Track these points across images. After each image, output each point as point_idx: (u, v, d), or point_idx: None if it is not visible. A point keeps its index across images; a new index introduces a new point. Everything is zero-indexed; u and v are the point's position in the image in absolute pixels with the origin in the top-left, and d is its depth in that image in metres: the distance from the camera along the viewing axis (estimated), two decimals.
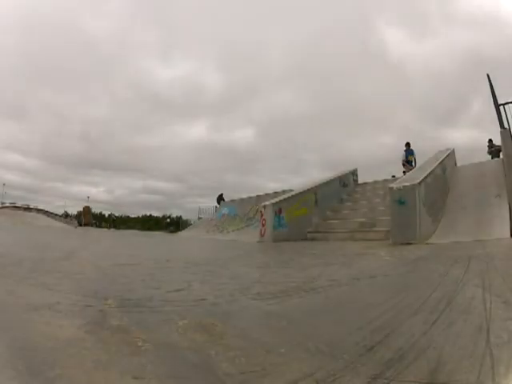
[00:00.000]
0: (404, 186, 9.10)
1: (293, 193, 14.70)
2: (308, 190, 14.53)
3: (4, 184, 72.89)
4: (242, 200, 25.44)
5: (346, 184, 16.56)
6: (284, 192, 17.48)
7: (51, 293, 3.24)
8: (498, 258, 5.61)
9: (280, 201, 13.61)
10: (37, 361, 1.74)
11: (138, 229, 40.51)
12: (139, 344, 2.03)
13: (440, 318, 2.56)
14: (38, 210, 46.65)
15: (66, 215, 48.79)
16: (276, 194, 18.87)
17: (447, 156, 13.30)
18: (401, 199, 9.02)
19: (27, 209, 45.86)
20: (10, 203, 49.14)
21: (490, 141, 16.91)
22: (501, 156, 13.89)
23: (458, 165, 15.23)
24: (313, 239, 12.37)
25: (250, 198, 24.38)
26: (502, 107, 10.43)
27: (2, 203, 51.26)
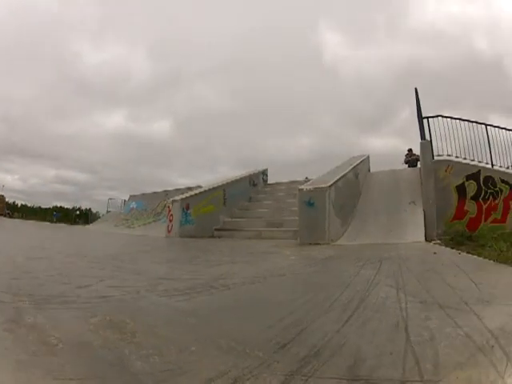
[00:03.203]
0: (314, 188, 9.22)
1: (201, 189, 14.65)
2: (217, 187, 14.51)
3: None
4: (151, 194, 24.97)
5: (255, 183, 16.73)
6: (192, 188, 17.49)
7: None
8: (412, 260, 5.76)
9: (188, 197, 13.48)
10: None
11: (48, 221, 38.67)
12: (55, 343, 2.00)
13: (353, 317, 2.54)
14: None
15: None
16: (186, 189, 18.67)
17: (361, 161, 13.70)
18: (310, 201, 9.10)
19: None
20: None
21: (410, 150, 17.82)
22: (418, 165, 14.62)
23: (375, 171, 15.74)
24: (220, 237, 12.27)
25: (159, 192, 23.96)
26: (425, 120, 10.98)
27: None
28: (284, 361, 1.81)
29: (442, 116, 10.79)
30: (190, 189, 18.28)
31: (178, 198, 13.46)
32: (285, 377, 1.63)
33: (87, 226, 28.02)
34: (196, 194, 13.77)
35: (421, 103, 11.67)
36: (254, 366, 1.75)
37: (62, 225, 31.10)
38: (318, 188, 9.14)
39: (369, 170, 15.47)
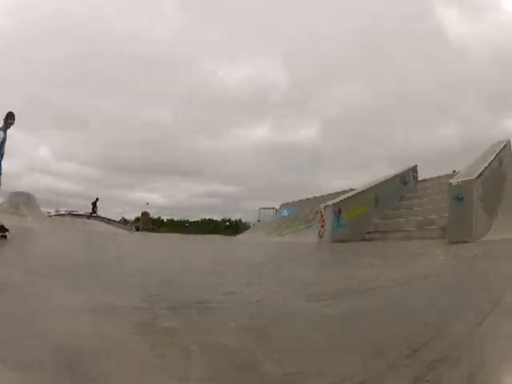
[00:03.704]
0: (462, 182, 8.91)
1: (353, 192, 14.62)
2: (368, 189, 14.42)
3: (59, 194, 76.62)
4: (302, 201, 25.25)
5: (406, 181, 16.27)
6: (344, 192, 17.19)
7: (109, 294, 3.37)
8: None
9: (340, 201, 13.61)
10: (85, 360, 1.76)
11: (197, 233, 40.69)
12: (189, 346, 2.01)
13: (485, 321, 2.46)
14: (96, 217, 48.15)
15: (124, 221, 50.10)
16: (337, 194, 18.16)
17: (503, 147, 12.71)
18: (459, 195, 8.82)
19: (81, 215, 47.30)
20: (66, 210, 50.73)
21: None
22: None
23: None
24: (371, 239, 12.31)
25: (310, 199, 24.20)
26: None
27: (57, 211, 52.90)
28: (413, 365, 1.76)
29: None
30: (338, 194, 17.74)
31: (330, 202, 13.68)
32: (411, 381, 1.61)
33: (238, 236, 28.35)
34: (348, 198, 13.84)
35: None
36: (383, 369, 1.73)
37: (209, 236, 31.22)
38: (466, 181, 8.82)
39: (511, 156, 13.99)
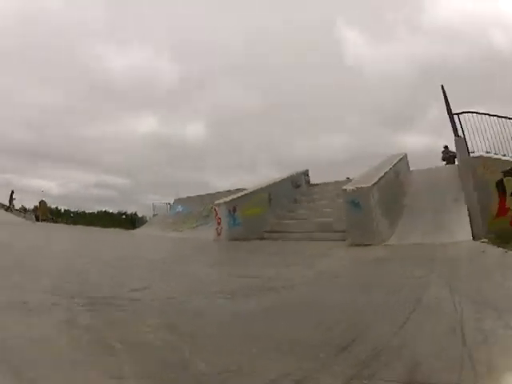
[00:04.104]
0: (357, 188, 9.20)
1: (246, 191, 14.67)
2: (261, 189, 14.52)
3: None
4: (195, 198, 25.23)
5: (298, 185, 16.64)
6: (237, 190, 17.30)
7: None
8: (461, 260, 5.85)
9: (233, 199, 13.57)
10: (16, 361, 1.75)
11: (96, 225, 38.94)
12: (113, 344, 2.03)
13: (409, 319, 2.61)
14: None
15: (24, 210, 46.55)
16: (229, 192, 18.46)
17: (400, 160, 13.59)
18: (354, 201, 9.10)
19: None
20: None
21: (446, 147, 17.70)
22: (456, 162, 14.67)
23: (412, 169, 15.74)
24: (269, 238, 12.36)
25: (203, 196, 24.10)
26: (456, 116, 11.03)
27: None
28: (343, 363, 1.84)
29: (471, 112, 10.82)
30: (230, 192, 18.18)
31: (223, 200, 13.57)
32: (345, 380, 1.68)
33: (135, 231, 27.99)
34: (241, 196, 13.84)
35: (449, 100, 11.62)
36: (316, 368, 1.79)
37: (109, 229, 30.74)
38: (362, 188, 9.13)
39: (408, 169, 15.36)
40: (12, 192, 37.08)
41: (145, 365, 1.79)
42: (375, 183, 9.42)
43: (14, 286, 3.54)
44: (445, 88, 12.05)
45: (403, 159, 14.50)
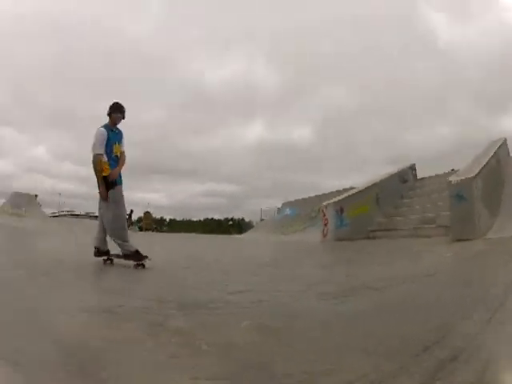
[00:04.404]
0: (461, 180, 9.00)
1: (354, 191, 14.64)
2: (368, 187, 14.44)
3: (60, 194, 76.71)
4: (303, 200, 25.42)
5: (405, 180, 16.35)
6: (345, 190, 17.28)
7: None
8: None
9: (341, 199, 13.66)
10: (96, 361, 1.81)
11: (199, 232, 40.43)
12: (202, 346, 2.05)
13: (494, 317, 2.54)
14: (95, 217, 47.76)
15: (131, 222, 49.74)
16: (337, 192, 18.56)
17: (500, 146, 12.89)
18: (459, 193, 8.90)
19: (80, 215, 46.52)
20: (68, 211, 49.88)
21: None
22: None
23: None
24: (375, 238, 12.38)
25: (312, 197, 24.32)
26: None
27: (60, 211, 51.86)
28: (422, 364, 1.77)
29: None
30: (338, 192, 18.14)
31: (331, 201, 13.74)
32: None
33: (242, 236, 28.37)
34: (349, 196, 13.87)
35: None
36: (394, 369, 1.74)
37: (214, 236, 31.19)
38: (465, 179, 8.88)
39: (508, 155, 14.41)
40: (131, 211, 40.21)
41: (229, 366, 1.80)
42: (478, 173, 9.11)
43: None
44: None
45: (503, 145, 13.63)
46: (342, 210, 13.31)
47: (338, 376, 1.68)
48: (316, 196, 23.53)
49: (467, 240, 8.09)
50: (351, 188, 16.93)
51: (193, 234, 32.15)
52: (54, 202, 64.49)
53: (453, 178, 9.37)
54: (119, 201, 6.00)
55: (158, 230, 38.51)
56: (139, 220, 46.66)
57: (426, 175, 17.42)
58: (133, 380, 1.63)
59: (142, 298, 3.43)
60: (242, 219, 49.18)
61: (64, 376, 1.63)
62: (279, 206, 30.21)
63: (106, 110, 6.11)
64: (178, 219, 57.60)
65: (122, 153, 6.25)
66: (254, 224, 36.31)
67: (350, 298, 3.49)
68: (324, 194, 21.82)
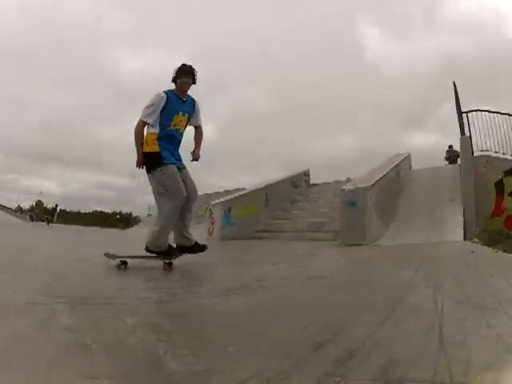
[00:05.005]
0: (356, 188, 9.12)
1: (243, 192, 14.71)
2: (258, 189, 14.50)
3: None
4: None
5: (297, 185, 16.56)
6: (236, 190, 17.42)
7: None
8: (449, 260, 5.86)
9: (230, 199, 13.66)
10: None
11: (83, 224, 38.84)
12: (89, 343, 1.93)
13: (389, 318, 2.55)
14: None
15: (20, 209, 46.91)
16: (227, 192, 18.82)
17: (403, 159, 13.61)
18: (351, 200, 9.00)
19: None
20: None
21: (451, 146, 17.92)
22: (458, 162, 14.71)
23: (414, 168, 15.92)
24: (261, 238, 12.31)
25: (201, 196, 23.71)
26: (465, 115, 11.12)
27: None
28: (319, 362, 1.80)
29: (481, 110, 10.91)
30: (228, 192, 18.40)
31: (219, 200, 13.67)
32: (318, 378, 1.62)
33: (128, 230, 28.10)
34: (238, 197, 13.89)
35: (460, 98, 11.64)
36: (289, 366, 1.72)
37: (98, 229, 30.97)
38: (360, 188, 9.07)
39: (410, 168, 15.42)
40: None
41: (120, 365, 1.75)
42: (374, 183, 9.34)
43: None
44: (457, 86, 12.09)
45: (406, 159, 14.52)
46: (229, 210, 13.24)
47: (233, 374, 1.63)
48: (206, 194, 23.27)
49: (356, 245, 8.19)
50: (242, 189, 16.97)
51: (85, 228, 30.59)
52: None
53: (346, 186, 9.55)
54: (164, 183, 4.82)
55: (48, 221, 35.98)
56: (31, 209, 43.86)
57: (320, 182, 17.87)
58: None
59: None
60: (130, 214, 47.79)
61: None
62: None
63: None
64: (67, 210, 54.70)
65: (198, 128, 5.35)
66: (141, 219, 35.51)
67: (232, 297, 3.39)
68: (213, 193, 21.77)
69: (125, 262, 4.69)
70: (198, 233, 14.69)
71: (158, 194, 4.87)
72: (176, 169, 4.90)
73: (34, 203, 42.85)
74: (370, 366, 1.71)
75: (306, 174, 17.73)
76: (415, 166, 16.21)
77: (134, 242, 13.53)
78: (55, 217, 41.03)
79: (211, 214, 13.36)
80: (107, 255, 4.81)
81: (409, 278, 4.09)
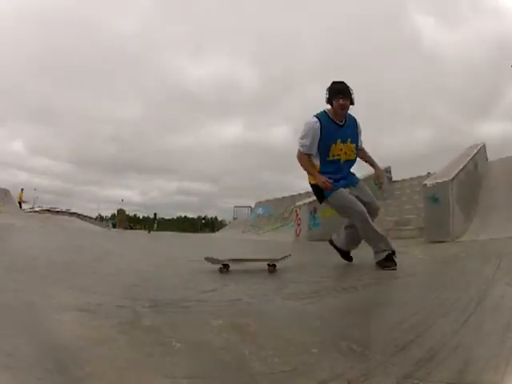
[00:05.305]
0: (437, 183, 9.00)
1: None
2: None
3: (35, 189, 75.17)
4: (276, 200, 25.44)
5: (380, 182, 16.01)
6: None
7: (84, 294, 3.05)
8: None
9: (314, 200, 13.24)
10: (68, 360, 1.68)
11: (173, 231, 40.00)
12: (173, 344, 1.98)
13: (471, 317, 2.47)
14: (71, 214, 46.43)
15: (101, 218, 48.94)
16: (308, 193, 18.42)
17: (478, 151, 13.01)
18: (434, 196, 8.91)
19: (60, 212, 45.96)
20: (45, 207, 49.12)
21: None
22: None
23: (491, 160, 15.10)
24: None
25: (285, 197, 24.45)
26: None
27: (39, 207, 51.18)
28: (398, 363, 1.79)
29: None
30: (309, 193, 17.82)
31: (305, 201, 13.80)
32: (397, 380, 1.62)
33: (213, 234, 28.52)
34: None
35: None
36: (370, 367, 1.74)
37: (187, 234, 30.66)
38: (441, 182, 8.91)
39: (486, 160, 14.68)
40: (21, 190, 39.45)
41: (201, 365, 1.76)
42: (454, 177, 9.09)
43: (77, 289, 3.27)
44: None
45: (481, 150, 13.77)
46: (315, 211, 13.36)
47: (315, 375, 1.62)
48: (290, 196, 23.56)
49: (441, 242, 8.13)
50: None
51: (170, 233, 30.97)
52: (30, 198, 63.20)
53: (428, 182, 9.39)
54: (338, 210, 4.79)
55: (131, 228, 37.93)
56: (113, 217, 45.78)
57: (401, 178, 17.52)
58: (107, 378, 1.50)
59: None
60: (215, 218, 49.01)
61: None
62: (252, 205, 30.31)
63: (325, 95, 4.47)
64: (151, 217, 56.66)
65: (362, 151, 4.94)
66: (227, 223, 36.20)
67: (318, 298, 3.30)
68: (297, 195, 21.84)
69: (227, 266, 4.68)
70: (283, 235, 14.96)
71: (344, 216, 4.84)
72: (343, 191, 4.61)
73: (116, 211, 43.96)
74: (447, 368, 1.71)
75: (388, 170, 17.48)
76: (490, 157, 15.40)
77: (233, 245, 13.93)
78: (155, 225, 40.41)
79: (297, 215, 13.63)
80: (208, 259, 4.79)
81: (490, 275, 4.02)
